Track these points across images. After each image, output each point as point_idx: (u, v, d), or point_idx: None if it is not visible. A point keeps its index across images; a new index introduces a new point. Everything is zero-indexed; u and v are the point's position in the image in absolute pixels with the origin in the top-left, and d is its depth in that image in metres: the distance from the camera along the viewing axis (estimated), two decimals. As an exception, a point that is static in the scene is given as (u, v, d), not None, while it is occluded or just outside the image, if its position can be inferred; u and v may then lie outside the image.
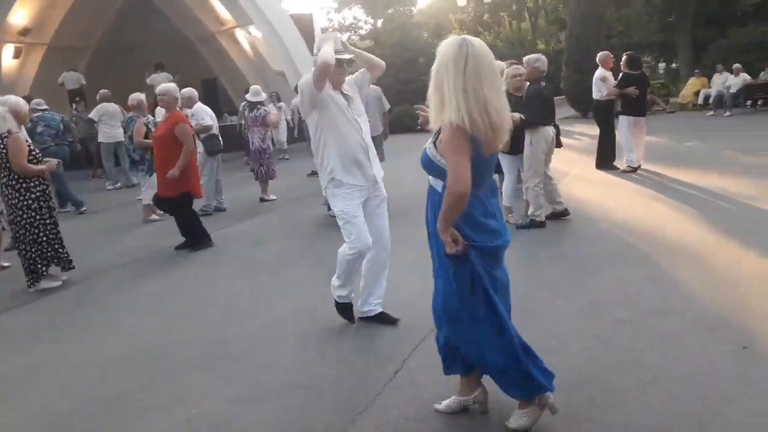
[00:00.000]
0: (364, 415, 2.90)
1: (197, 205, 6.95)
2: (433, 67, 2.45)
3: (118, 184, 12.01)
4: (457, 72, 2.35)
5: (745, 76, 17.13)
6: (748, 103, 17.52)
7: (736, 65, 17.24)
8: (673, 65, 31.29)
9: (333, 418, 2.90)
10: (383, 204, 3.90)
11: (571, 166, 9.31)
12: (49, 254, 5.38)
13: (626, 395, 2.87)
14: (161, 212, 7.74)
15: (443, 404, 2.84)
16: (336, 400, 3.07)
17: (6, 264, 6.36)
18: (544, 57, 6.25)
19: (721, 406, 2.71)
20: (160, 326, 4.36)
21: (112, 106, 11.53)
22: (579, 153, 10.69)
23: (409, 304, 4.09)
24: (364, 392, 3.10)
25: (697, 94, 19.07)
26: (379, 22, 33.25)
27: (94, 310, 4.89)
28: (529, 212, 6.19)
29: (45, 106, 10.04)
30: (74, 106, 13.61)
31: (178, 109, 6.57)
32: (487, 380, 2.79)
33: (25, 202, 5.25)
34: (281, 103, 13.95)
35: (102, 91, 11.79)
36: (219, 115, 12.21)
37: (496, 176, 3.63)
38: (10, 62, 16.50)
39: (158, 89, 6.34)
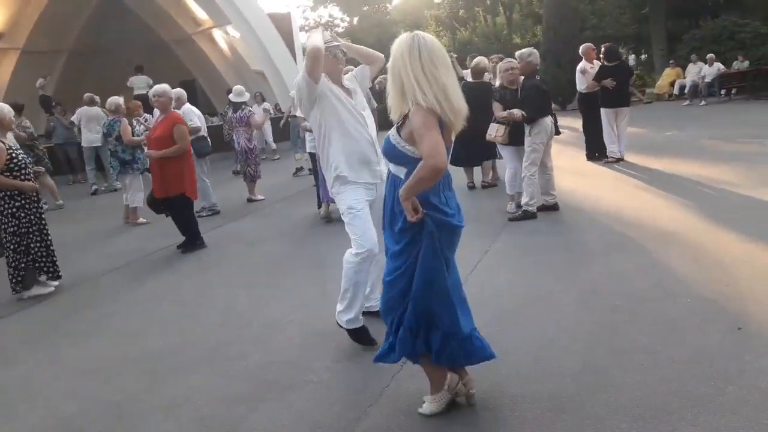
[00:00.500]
0: (374, 408, 2.94)
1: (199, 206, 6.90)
2: (389, 63, 2.54)
3: (95, 187, 11.77)
4: (413, 61, 2.44)
5: (719, 66, 17.47)
6: (722, 92, 17.86)
7: (710, 55, 17.57)
8: (643, 56, 31.81)
9: (344, 411, 2.93)
10: None
11: (555, 157, 9.37)
12: (38, 262, 5.32)
13: (629, 378, 2.94)
14: (153, 215, 7.67)
15: (424, 408, 2.83)
16: (345, 394, 3.11)
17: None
18: (536, 51, 6.36)
19: (723, 385, 2.79)
20: (160, 329, 4.34)
21: (94, 110, 11.39)
22: (563, 145, 10.80)
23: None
24: (372, 385, 3.13)
25: (672, 84, 19.41)
26: (355, 20, 33.24)
27: (92, 314, 4.84)
28: (522, 201, 6.28)
29: None
30: (52, 111, 13.43)
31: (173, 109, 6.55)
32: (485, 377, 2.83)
33: (9, 210, 5.17)
34: (266, 104, 13.90)
35: (86, 94, 11.67)
36: (198, 116, 12.12)
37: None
38: (-18, 68, 16.24)
39: (153, 90, 6.28)
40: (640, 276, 4.33)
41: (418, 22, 37.84)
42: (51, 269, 5.48)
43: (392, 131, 2.59)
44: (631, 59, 32.44)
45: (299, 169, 11.33)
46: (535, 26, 32.60)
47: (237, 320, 4.35)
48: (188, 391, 3.33)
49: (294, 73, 16.52)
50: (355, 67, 4.03)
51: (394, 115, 2.59)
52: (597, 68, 9.04)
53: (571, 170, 8.50)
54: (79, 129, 11.85)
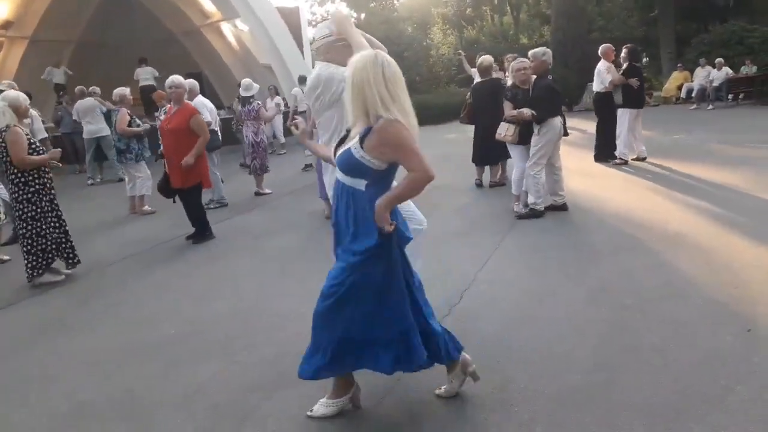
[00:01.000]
0: (388, 398, 2.97)
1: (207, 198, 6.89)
2: (351, 78, 2.52)
3: (91, 180, 11.72)
4: (377, 78, 2.48)
5: (727, 70, 17.41)
6: (730, 96, 17.82)
7: (719, 59, 17.52)
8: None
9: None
10: None
11: (564, 158, 9.39)
12: (51, 248, 5.36)
13: (640, 377, 2.97)
14: (158, 204, 7.70)
15: (315, 410, 2.88)
16: (360, 384, 3.12)
17: (6, 257, 6.32)
18: (549, 50, 6.37)
19: (733, 386, 2.82)
20: (170, 318, 4.37)
21: (88, 101, 11.33)
22: (571, 146, 10.80)
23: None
24: (386, 376, 3.15)
25: (680, 87, 19.36)
26: (363, 16, 33.18)
27: (102, 303, 4.88)
28: (529, 201, 6.30)
29: None
30: (60, 101, 13.45)
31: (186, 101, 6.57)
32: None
33: (25, 196, 5.22)
34: (278, 98, 13.89)
35: (77, 88, 11.70)
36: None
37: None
38: (-9, 56, 16.25)
39: (169, 81, 6.30)
40: (649, 276, 4.35)
41: (425, 19, 37.74)
42: (70, 255, 5.52)
43: (354, 144, 2.56)
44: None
45: (308, 165, 11.33)
46: (543, 26, 32.50)
47: (247, 311, 4.38)
48: (201, 379, 3.36)
49: (301, 67, 16.51)
50: None
51: (355, 130, 2.60)
52: (612, 68, 9.02)
53: (579, 171, 8.51)
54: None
